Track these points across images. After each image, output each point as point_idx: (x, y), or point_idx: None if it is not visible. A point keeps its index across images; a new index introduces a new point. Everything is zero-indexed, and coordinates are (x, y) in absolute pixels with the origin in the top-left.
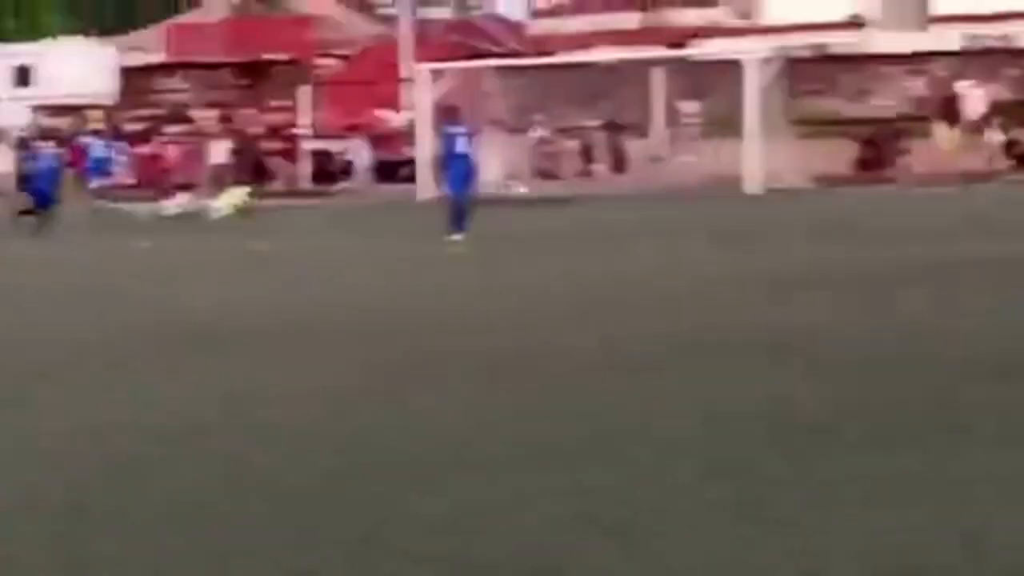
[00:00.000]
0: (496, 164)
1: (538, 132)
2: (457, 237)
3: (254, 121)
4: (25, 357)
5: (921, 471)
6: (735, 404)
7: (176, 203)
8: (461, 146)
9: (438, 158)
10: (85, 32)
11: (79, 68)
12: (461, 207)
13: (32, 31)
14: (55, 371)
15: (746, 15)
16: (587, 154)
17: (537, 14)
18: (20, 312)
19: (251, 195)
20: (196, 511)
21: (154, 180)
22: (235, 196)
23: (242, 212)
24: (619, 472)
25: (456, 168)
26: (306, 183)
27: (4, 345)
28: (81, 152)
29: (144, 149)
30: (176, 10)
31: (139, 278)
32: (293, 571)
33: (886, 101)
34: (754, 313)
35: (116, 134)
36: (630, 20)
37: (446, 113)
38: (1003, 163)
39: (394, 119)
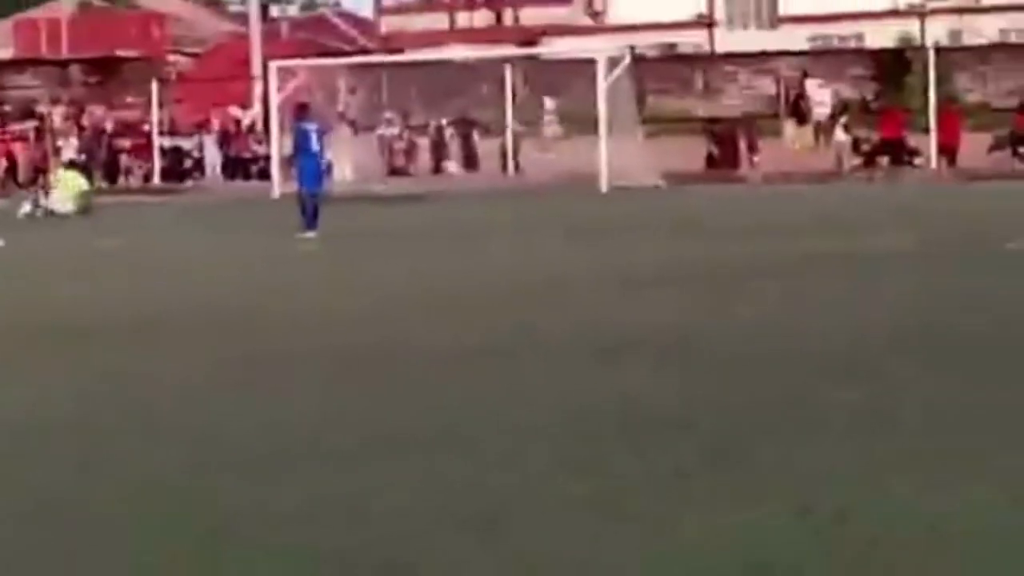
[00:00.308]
0: (347, 161)
1: (389, 129)
2: (309, 235)
3: (105, 118)
4: None
5: (774, 465)
6: (586, 399)
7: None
8: (312, 143)
9: (289, 155)
10: None
11: None
12: (313, 204)
13: None
14: None
15: (595, 14)
16: (438, 151)
17: (384, 11)
18: None
19: (85, 191)
20: (45, 508)
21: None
22: (70, 187)
23: (81, 204)
24: (473, 462)
25: (307, 165)
26: (157, 180)
27: None
28: None
29: None
30: (24, 6)
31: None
32: (143, 565)
33: (734, 100)
34: (605, 310)
35: None
36: (480, 18)
37: (297, 110)
38: (852, 161)
39: (244, 116)
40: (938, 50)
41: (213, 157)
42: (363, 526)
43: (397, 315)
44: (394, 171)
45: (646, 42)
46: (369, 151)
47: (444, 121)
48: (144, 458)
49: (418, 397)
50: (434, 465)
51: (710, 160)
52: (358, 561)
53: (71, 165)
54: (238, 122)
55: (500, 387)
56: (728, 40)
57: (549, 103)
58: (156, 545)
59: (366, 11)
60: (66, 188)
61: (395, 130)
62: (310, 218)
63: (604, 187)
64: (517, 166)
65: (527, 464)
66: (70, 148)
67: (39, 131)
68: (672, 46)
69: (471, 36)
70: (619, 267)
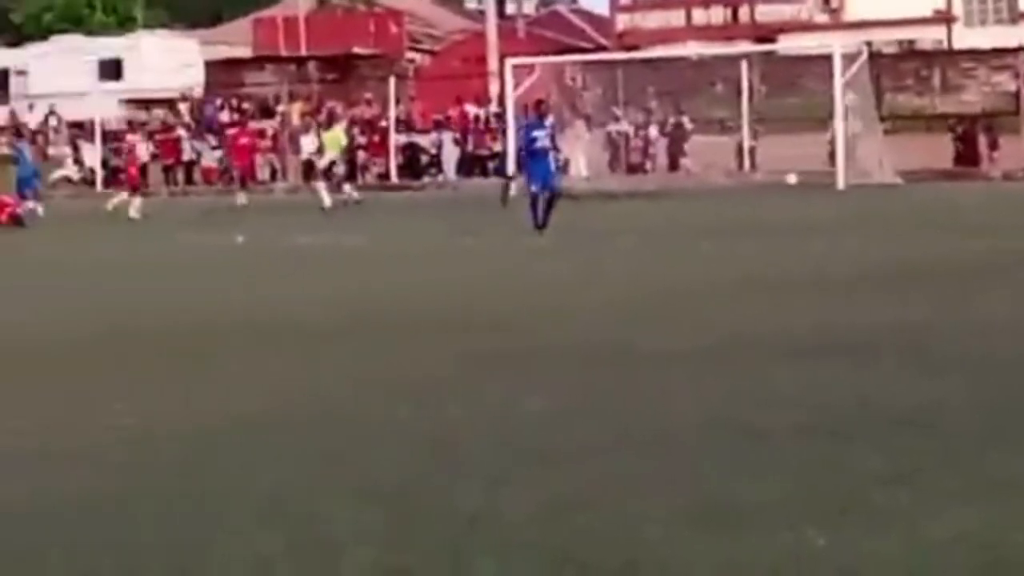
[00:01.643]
0: (582, 158)
1: (623, 126)
2: (539, 231)
3: (342, 115)
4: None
5: (1016, 466)
6: (825, 398)
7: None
8: (542, 141)
9: (518, 152)
10: (170, 26)
11: (166, 61)
12: (547, 202)
13: (121, 25)
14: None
15: (831, 10)
16: (675, 148)
17: (619, 8)
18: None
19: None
20: (287, 511)
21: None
22: (336, 144)
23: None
24: (709, 462)
25: (536, 163)
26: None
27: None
28: (173, 145)
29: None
30: (262, 4)
31: (231, 274)
32: (389, 568)
33: (973, 97)
34: (844, 308)
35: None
36: (716, 14)
37: (535, 107)
38: None
39: (480, 113)
40: None
41: (450, 154)
42: (602, 526)
43: (627, 312)
44: (630, 168)
45: (883, 38)
46: (603, 148)
47: (684, 118)
48: (378, 458)
49: (650, 397)
50: (664, 464)
51: (958, 157)
52: (598, 562)
53: (308, 165)
54: (475, 119)
55: (738, 385)
56: (967, 36)
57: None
58: (402, 547)
59: (602, 8)
60: (334, 146)
61: (629, 127)
62: (540, 216)
63: (842, 184)
64: (753, 163)
65: (768, 462)
66: (309, 145)
67: (278, 128)
68: (910, 42)
69: (707, 33)
70: (859, 264)
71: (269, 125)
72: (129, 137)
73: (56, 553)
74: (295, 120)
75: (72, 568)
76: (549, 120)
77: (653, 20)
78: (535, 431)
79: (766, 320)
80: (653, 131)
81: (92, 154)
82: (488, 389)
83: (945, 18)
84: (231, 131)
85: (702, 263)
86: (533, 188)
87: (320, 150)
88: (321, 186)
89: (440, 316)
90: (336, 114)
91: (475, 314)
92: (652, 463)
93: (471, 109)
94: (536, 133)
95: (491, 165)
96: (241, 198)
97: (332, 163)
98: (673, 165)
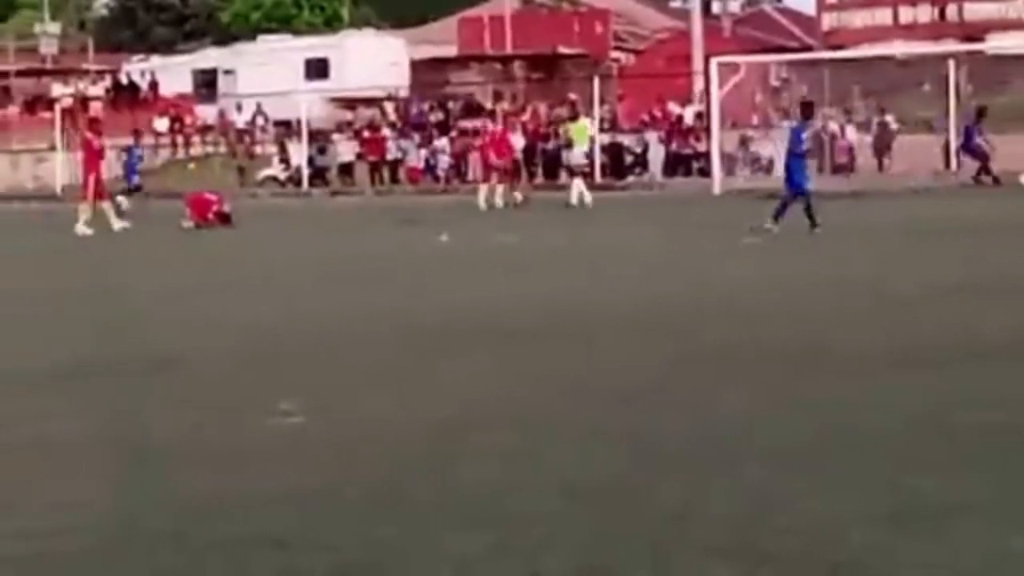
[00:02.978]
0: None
1: (829, 126)
2: (772, 226)
3: (547, 115)
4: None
5: None
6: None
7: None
8: (808, 143)
9: (789, 153)
10: (377, 25)
11: (372, 61)
12: (806, 202)
13: (328, 24)
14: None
15: None
16: (881, 148)
17: (825, 7)
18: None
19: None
20: (489, 510)
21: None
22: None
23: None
24: (897, 463)
25: (794, 165)
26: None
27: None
28: (378, 144)
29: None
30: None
31: (435, 271)
32: (589, 568)
33: None
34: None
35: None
36: (923, 13)
37: (803, 109)
38: None
39: (684, 112)
40: None
41: (656, 153)
42: (802, 527)
43: (828, 313)
44: (836, 169)
45: None
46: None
47: (889, 118)
48: (580, 457)
49: (850, 398)
50: (865, 465)
51: None
52: (798, 563)
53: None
54: (680, 118)
55: (936, 385)
56: None
57: None
58: (600, 543)
59: (808, 7)
60: (582, 138)
61: (836, 127)
62: (812, 215)
63: None
64: (959, 163)
65: (968, 463)
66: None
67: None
68: None
69: (914, 32)
70: None
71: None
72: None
73: (262, 548)
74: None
75: (278, 563)
76: (814, 122)
77: (859, 19)
78: (735, 431)
79: (968, 322)
80: (851, 131)
81: (298, 153)
82: (689, 389)
83: None
84: (493, 129)
85: (906, 264)
86: (807, 188)
87: (569, 145)
88: (578, 182)
89: (642, 316)
90: (578, 105)
91: (683, 313)
92: (852, 464)
93: (674, 108)
94: (805, 135)
95: (695, 165)
96: (514, 196)
97: (587, 155)
98: (879, 165)
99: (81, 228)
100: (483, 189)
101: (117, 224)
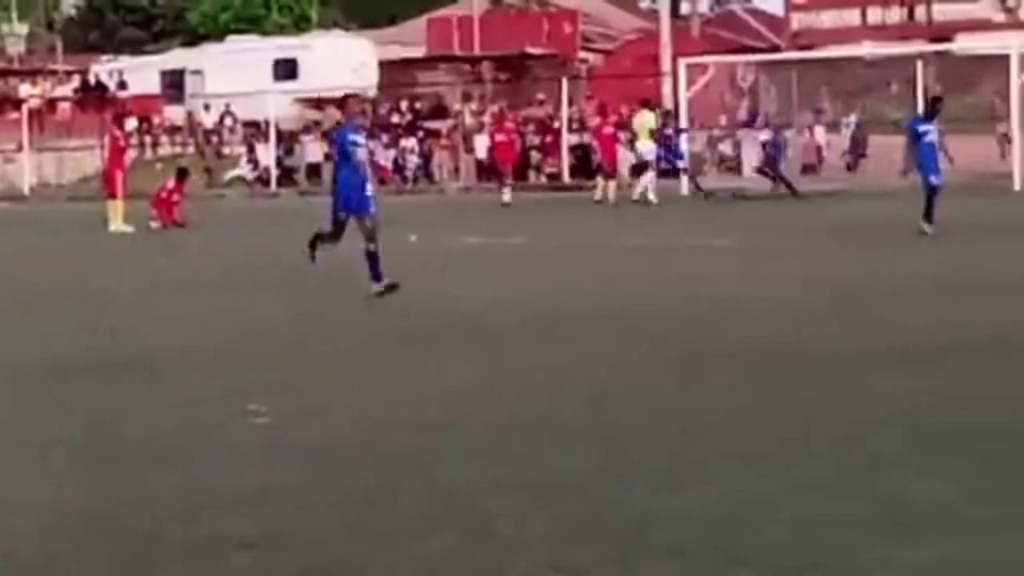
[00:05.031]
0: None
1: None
2: (929, 224)
3: (515, 116)
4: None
5: None
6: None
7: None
8: (930, 136)
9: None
10: (345, 26)
11: (341, 61)
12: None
13: (296, 25)
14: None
15: (1008, 10)
16: (855, 149)
17: (794, 7)
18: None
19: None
20: (462, 509)
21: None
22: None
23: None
24: (895, 466)
25: (930, 156)
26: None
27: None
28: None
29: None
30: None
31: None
32: (559, 568)
33: None
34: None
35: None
36: (891, 13)
37: (934, 102)
38: None
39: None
40: None
41: (625, 154)
42: (778, 529)
43: (805, 312)
44: (805, 168)
45: None
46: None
47: (852, 118)
48: (551, 458)
49: (829, 397)
50: (843, 466)
51: None
52: (773, 565)
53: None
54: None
55: (923, 384)
56: None
57: None
58: (574, 546)
59: (776, 7)
60: (645, 133)
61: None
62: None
63: (1018, 185)
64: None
65: (954, 463)
66: (481, 145)
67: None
68: None
69: (882, 32)
70: None
71: (443, 125)
72: None
73: (234, 548)
74: (468, 120)
75: (250, 563)
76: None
77: (828, 19)
78: (708, 431)
79: (952, 320)
80: (820, 132)
81: (266, 154)
82: (661, 389)
83: None
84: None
85: (882, 263)
86: (933, 180)
87: (632, 142)
88: (647, 179)
89: (616, 315)
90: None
91: (654, 313)
92: (830, 465)
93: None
94: (924, 127)
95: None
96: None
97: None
98: (850, 165)
99: (119, 226)
100: (611, 187)
101: (114, 225)
